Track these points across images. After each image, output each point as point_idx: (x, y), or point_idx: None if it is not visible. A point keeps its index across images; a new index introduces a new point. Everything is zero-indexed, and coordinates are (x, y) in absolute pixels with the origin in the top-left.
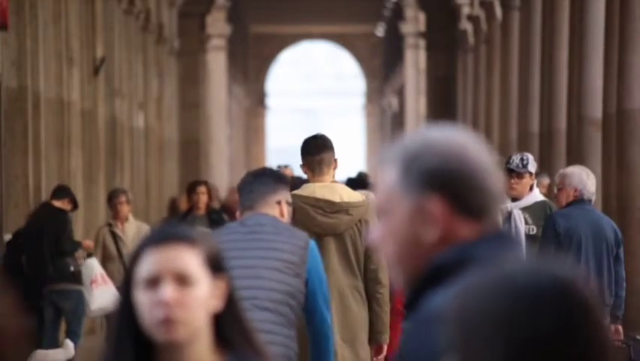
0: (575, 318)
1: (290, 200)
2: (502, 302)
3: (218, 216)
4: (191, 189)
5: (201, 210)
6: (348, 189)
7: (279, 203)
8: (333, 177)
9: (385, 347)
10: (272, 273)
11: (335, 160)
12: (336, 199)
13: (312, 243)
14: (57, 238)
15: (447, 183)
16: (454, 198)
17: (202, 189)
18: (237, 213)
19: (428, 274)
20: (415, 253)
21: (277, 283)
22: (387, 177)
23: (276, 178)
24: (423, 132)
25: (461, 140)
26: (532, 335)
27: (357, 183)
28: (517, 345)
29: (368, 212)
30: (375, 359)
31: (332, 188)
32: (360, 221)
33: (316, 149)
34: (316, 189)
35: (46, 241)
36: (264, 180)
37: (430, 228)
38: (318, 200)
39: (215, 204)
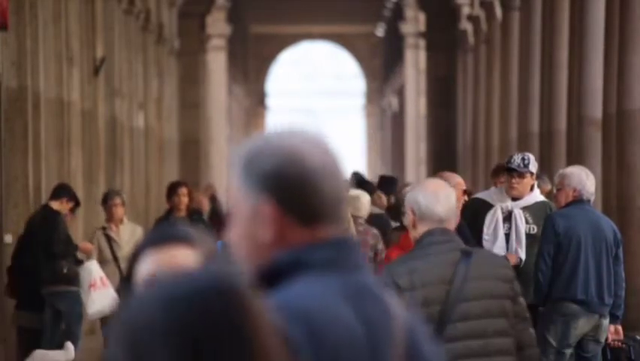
0: (230, 317)
1: None
2: (160, 305)
3: (198, 218)
4: (171, 190)
5: (182, 211)
6: None
7: None
8: None
9: None
10: None
11: None
12: None
13: None
14: (49, 241)
15: (279, 187)
16: (285, 202)
17: (183, 190)
18: None
19: (263, 275)
20: (256, 253)
21: None
22: (233, 179)
23: None
24: (265, 134)
25: (300, 144)
26: (187, 333)
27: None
28: (176, 343)
29: None
30: None
31: None
32: None
33: None
34: None
35: (38, 244)
36: None
37: (264, 230)
38: None
39: (204, 205)
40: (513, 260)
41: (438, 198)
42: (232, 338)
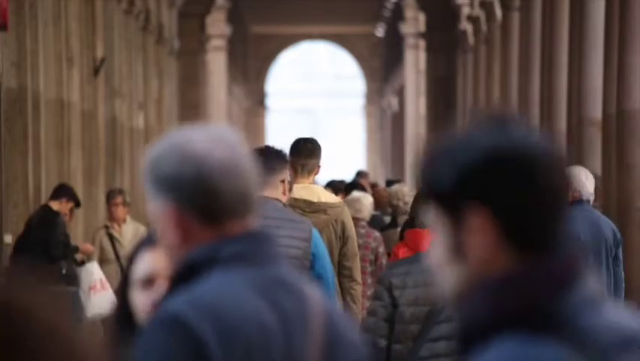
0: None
1: (289, 177)
2: None
3: None
4: None
5: None
6: (325, 191)
7: (282, 182)
8: (313, 181)
9: None
10: None
11: (318, 166)
12: (314, 199)
13: (315, 231)
14: (47, 241)
15: (179, 190)
16: (187, 203)
17: None
18: None
19: (180, 272)
20: (171, 254)
21: None
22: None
23: (280, 157)
24: (169, 137)
25: (200, 145)
26: None
27: (353, 185)
28: None
29: (344, 213)
30: None
31: (310, 189)
32: (336, 221)
33: (306, 154)
34: (295, 190)
35: (37, 244)
36: (269, 159)
37: (171, 232)
38: (297, 200)
39: None
40: None
41: None
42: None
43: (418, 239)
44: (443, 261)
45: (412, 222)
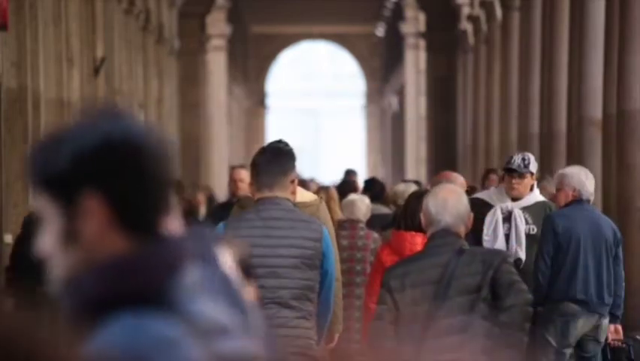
0: None
1: (297, 176)
2: None
3: (193, 219)
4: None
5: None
6: (300, 189)
7: (292, 182)
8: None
9: (337, 337)
10: (292, 271)
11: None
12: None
13: (326, 231)
14: None
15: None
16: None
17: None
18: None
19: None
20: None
21: (297, 281)
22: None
23: (291, 157)
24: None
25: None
26: None
27: (346, 186)
28: None
29: (320, 210)
30: (325, 346)
31: None
32: None
33: None
34: None
35: (33, 245)
36: (282, 161)
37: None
38: None
39: (201, 205)
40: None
41: (446, 206)
42: None
43: (401, 241)
44: (55, 248)
45: (399, 224)
